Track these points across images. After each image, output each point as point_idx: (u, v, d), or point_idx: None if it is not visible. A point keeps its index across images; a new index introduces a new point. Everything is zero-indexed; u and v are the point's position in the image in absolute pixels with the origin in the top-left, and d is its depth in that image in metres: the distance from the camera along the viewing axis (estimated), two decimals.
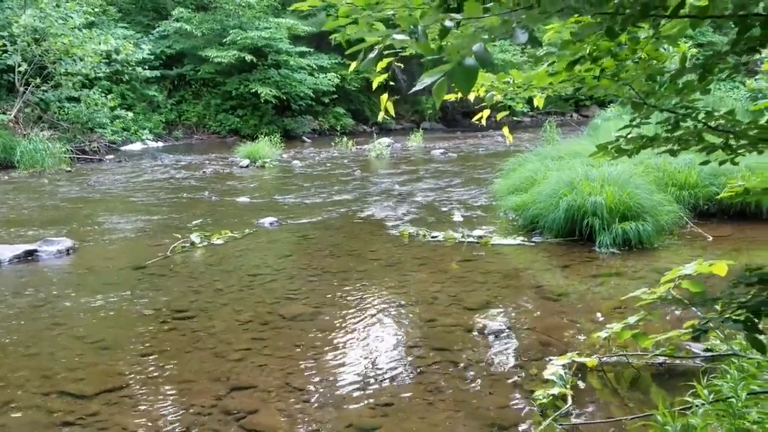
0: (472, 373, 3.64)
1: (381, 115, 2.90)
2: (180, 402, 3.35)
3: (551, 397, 3.19)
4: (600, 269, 5.68)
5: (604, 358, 3.64)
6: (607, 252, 6.05)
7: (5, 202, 9.78)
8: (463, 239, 6.74)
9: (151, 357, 3.95)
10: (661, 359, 3.58)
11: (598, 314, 4.50)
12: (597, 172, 6.68)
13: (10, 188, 11.25)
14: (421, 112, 25.91)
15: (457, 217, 8.08)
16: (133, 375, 3.68)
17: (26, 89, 15.18)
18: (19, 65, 14.87)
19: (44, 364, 3.80)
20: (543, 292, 5.13)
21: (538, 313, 4.65)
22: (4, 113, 14.69)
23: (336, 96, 22.86)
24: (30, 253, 6.22)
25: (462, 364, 3.74)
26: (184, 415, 3.22)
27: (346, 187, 11.02)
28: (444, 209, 8.69)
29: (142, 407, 3.31)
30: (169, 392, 3.47)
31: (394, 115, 3.70)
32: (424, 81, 1.47)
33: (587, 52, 1.97)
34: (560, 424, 3.00)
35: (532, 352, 3.91)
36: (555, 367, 3.43)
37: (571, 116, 27.44)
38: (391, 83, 2.78)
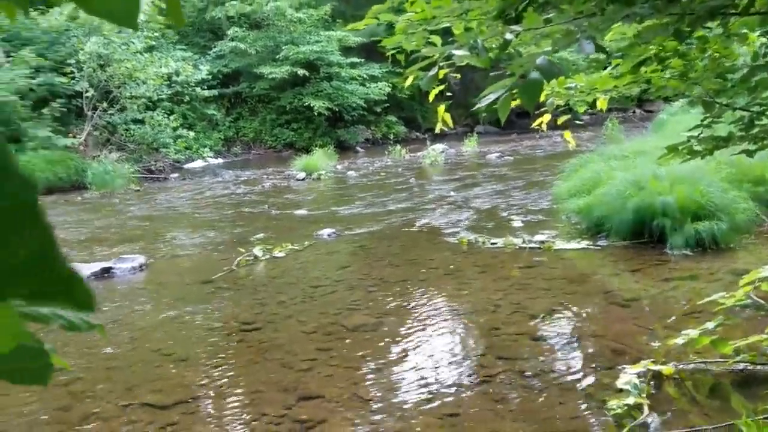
0: (539, 382, 3.59)
1: (439, 126, 2.92)
2: (251, 411, 3.44)
3: (626, 407, 3.11)
4: (672, 272, 5.51)
5: (681, 366, 3.52)
6: (679, 254, 5.86)
7: (81, 222, 10.23)
8: (524, 245, 6.66)
9: (222, 368, 4.06)
10: (741, 365, 3.45)
11: (672, 320, 4.36)
12: (666, 170, 6.48)
13: (84, 209, 11.77)
14: (475, 115, 25.74)
15: (517, 222, 7.99)
16: (206, 385, 3.79)
17: (94, 113, 15.87)
18: (87, 90, 15.58)
19: (125, 377, 3.96)
20: (612, 297, 5.02)
21: (608, 319, 4.55)
22: (74, 137, 15.39)
23: (388, 104, 22.98)
24: (106, 271, 6.50)
25: (529, 374, 3.70)
26: (257, 424, 3.30)
27: (402, 195, 11.05)
28: (503, 215, 8.61)
29: (217, 416, 3.42)
30: (240, 402, 3.56)
31: (451, 126, 3.67)
32: (489, 96, 1.48)
33: (653, 53, 1.93)
34: None
35: (602, 360, 3.83)
36: (629, 376, 3.35)
37: (634, 112, 26.69)
38: (448, 93, 2.80)
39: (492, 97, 1.48)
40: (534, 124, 3.48)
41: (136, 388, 3.78)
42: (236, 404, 3.55)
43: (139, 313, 5.30)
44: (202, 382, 3.84)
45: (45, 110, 14.85)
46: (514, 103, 2.61)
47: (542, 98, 2.81)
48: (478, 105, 1.62)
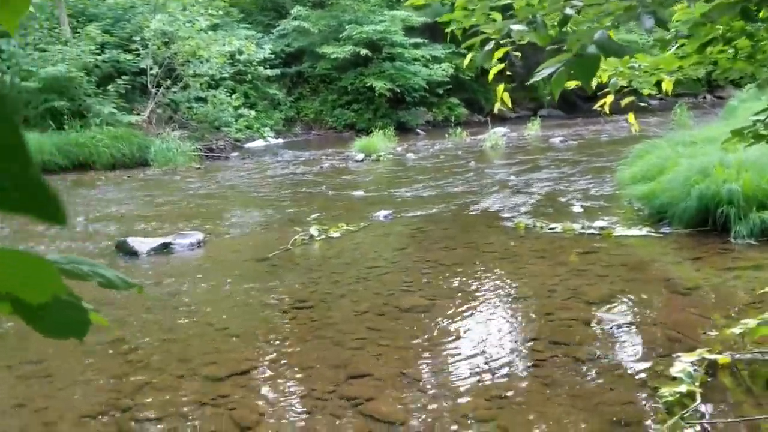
0: (592, 368, 3.51)
1: (497, 106, 2.85)
2: (301, 387, 3.49)
3: (678, 395, 3.01)
4: (735, 261, 5.28)
5: (738, 356, 3.39)
6: (743, 243, 5.61)
7: (142, 198, 10.59)
8: (584, 231, 6.50)
9: (274, 344, 4.14)
10: None
11: (733, 309, 4.19)
12: (733, 157, 6.20)
13: (146, 185, 12.16)
14: (538, 98, 25.20)
15: (577, 207, 7.80)
16: (259, 360, 3.87)
17: (157, 91, 16.31)
18: (151, 68, 16.01)
19: (180, 349, 4.09)
20: (672, 285, 4.85)
21: (666, 307, 4.40)
22: (138, 114, 15.87)
23: (450, 86, 22.74)
24: (165, 246, 6.69)
25: (581, 359, 3.62)
26: (305, 399, 3.35)
27: (460, 178, 10.95)
28: (562, 200, 8.42)
29: (268, 390, 3.49)
30: (291, 377, 3.62)
31: (511, 106, 3.58)
32: (543, 71, 1.42)
33: (720, 33, 1.82)
34: (687, 423, 2.83)
35: (658, 348, 3.71)
36: (683, 364, 3.24)
37: (704, 98, 25.60)
38: (508, 73, 2.73)
39: (547, 72, 1.42)
40: (596, 106, 3.37)
41: (190, 360, 3.90)
42: (286, 379, 3.61)
43: (195, 288, 5.45)
44: (255, 357, 3.93)
45: (110, 87, 15.34)
46: (573, 83, 2.52)
47: (605, 78, 2.71)
48: (532, 79, 1.57)
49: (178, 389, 3.51)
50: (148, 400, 3.39)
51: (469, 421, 3.04)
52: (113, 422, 3.16)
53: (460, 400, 3.25)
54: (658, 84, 3.00)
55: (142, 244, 6.64)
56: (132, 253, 6.54)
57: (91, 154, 14.09)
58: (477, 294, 4.89)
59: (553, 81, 1.38)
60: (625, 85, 2.76)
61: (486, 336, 4.11)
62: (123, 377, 3.68)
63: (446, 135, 18.33)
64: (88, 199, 10.62)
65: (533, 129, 18.13)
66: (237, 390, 3.48)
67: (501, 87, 2.62)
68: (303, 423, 3.13)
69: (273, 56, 20.25)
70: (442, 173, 11.71)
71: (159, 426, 3.11)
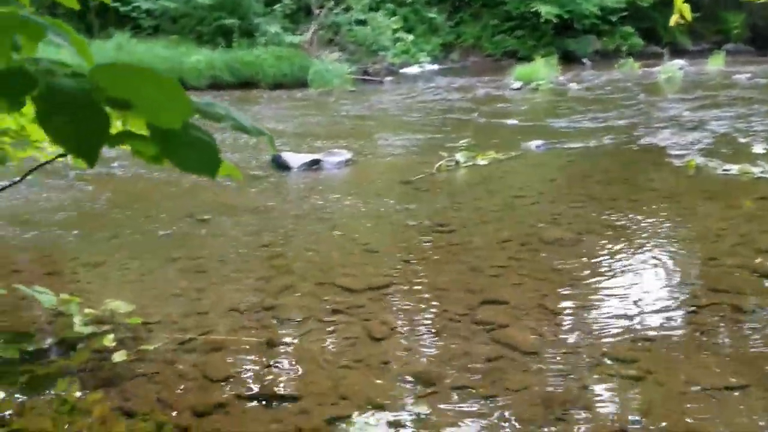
0: (755, 320, 3.13)
1: (674, 19, 2.50)
2: (434, 307, 3.45)
3: None
4: None
5: None
6: None
7: (298, 117, 10.97)
8: (764, 174, 5.77)
9: (411, 263, 4.12)
10: None
11: None
12: None
13: (303, 104, 12.57)
14: (725, 32, 22.54)
15: (758, 149, 6.94)
16: (395, 277, 3.88)
17: (321, 11, 16.55)
18: None
19: (321, 260, 4.21)
20: None
21: None
22: (301, 35, 16.26)
23: (625, 13, 20.93)
24: (315, 162, 6.91)
25: (744, 310, 3.23)
26: (437, 319, 3.31)
27: (626, 112, 10.15)
28: (742, 140, 7.53)
29: (401, 306, 3.49)
30: (425, 297, 3.60)
31: (689, 19, 3.12)
32: None
33: None
34: None
35: None
36: None
37: None
38: None
39: None
40: None
41: (330, 270, 4.00)
42: (420, 298, 3.59)
43: (340, 204, 5.57)
44: (391, 274, 3.94)
45: (277, 6, 15.76)
46: None
47: None
48: None
49: (317, 296, 3.61)
50: (289, 302, 3.53)
51: (608, 360, 2.84)
52: (256, 318, 3.34)
53: (600, 338, 3.04)
54: None
55: (294, 159, 6.90)
56: (285, 167, 6.83)
57: (256, 73, 14.75)
58: (631, 232, 4.53)
59: None
60: None
61: (637, 276, 3.80)
62: (268, 279, 3.86)
63: (616, 66, 17.02)
64: (250, 115, 11.19)
65: (716, 63, 16.31)
66: (371, 303, 3.52)
67: None
68: (433, 341, 3.10)
69: None
70: (607, 105, 10.93)
71: (297, 327, 3.23)
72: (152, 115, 0.54)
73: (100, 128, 0.73)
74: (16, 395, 2.64)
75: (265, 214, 5.28)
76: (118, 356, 2.94)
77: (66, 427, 2.42)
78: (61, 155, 1.92)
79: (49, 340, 3.14)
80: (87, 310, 3.26)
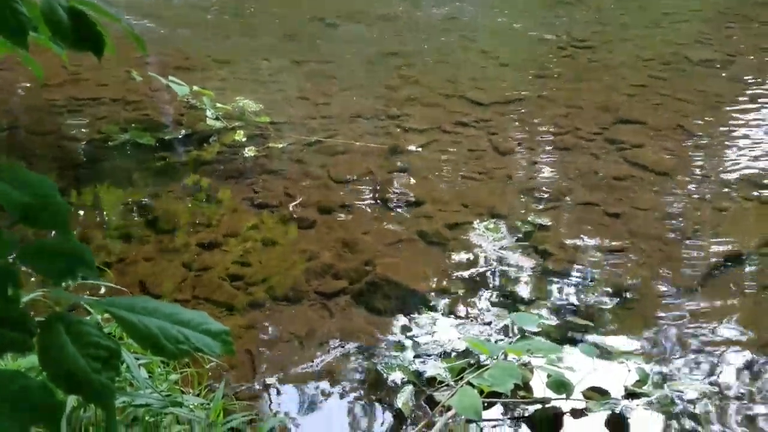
0: None
1: None
2: (565, 124, 3.35)
3: None
4: None
5: None
6: None
7: None
8: None
9: (543, 78, 3.96)
10: None
11: None
12: None
13: None
14: None
15: None
16: (525, 92, 3.76)
17: None
18: None
19: (450, 72, 4.12)
20: None
21: None
22: None
23: None
24: None
25: None
26: (567, 136, 3.22)
27: None
28: None
29: (531, 121, 3.42)
30: (556, 113, 3.48)
31: None
32: None
33: None
34: None
35: None
36: None
37: None
38: None
39: None
40: None
41: (458, 83, 3.92)
42: (552, 114, 3.48)
43: (473, 17, 5.31)
44: (522, 89, 3.81)
45: None
46: None
47: None
48: None
49: (442, 107, 3.60)
50: (415, 112, 3.54)
51: (741, 187, 2.70)
52: (380, 125, 3.40)
53: (737, 165, 2.88)
54: None
55: None
56: None
57: None
58: None
59: None
60: None
61: None
62: (395, 89, 3.86)
63: None
64: None
65: None
66: (499, 117, 3.47)
67: None
68: (562, 157, 3.06)
69: None
70: None
71: (422, 136, 3.27)
72: None
73: None
74: (153, 180, 2.92)
75: (395, 21, 5.16)
76: (248, 152, 3.15)
77: (200, 212, 2.67)
78: None
79: (182, 131, 3.36)
80: (218, 105, 3.43)
